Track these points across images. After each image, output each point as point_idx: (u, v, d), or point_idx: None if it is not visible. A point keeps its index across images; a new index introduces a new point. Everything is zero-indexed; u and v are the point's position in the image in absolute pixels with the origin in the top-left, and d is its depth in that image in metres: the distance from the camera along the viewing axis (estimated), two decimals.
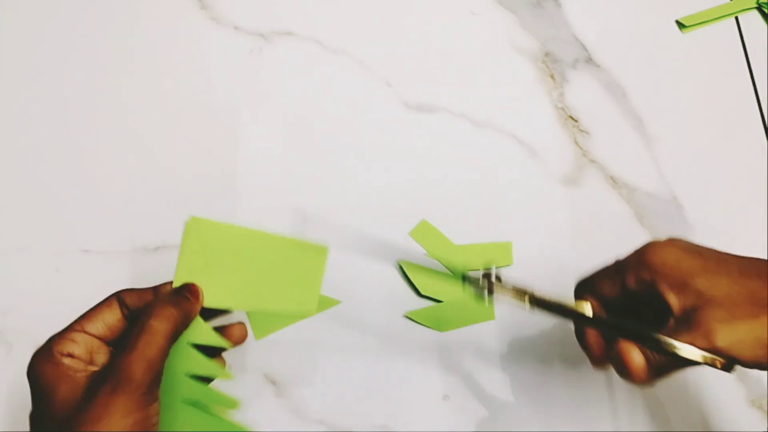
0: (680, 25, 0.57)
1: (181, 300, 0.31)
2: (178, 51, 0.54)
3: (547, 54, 0.56)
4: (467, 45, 0.56)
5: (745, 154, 0.53)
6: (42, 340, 0.44)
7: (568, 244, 0.49)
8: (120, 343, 0.30)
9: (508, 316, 0.46)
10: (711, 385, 0.45)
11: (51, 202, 0.49)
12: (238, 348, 0.44)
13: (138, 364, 0.28)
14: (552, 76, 0.55)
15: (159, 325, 0.29)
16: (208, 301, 0.33)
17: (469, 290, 0.36)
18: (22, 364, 0.44)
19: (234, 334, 0.34)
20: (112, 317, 0.31)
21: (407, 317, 0.46)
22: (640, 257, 0.33)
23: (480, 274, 0.36)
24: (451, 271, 0.46)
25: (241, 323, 0.35)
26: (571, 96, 0.54)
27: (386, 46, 0.55)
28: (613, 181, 0.51)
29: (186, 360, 0.32)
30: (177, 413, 0.31)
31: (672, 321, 0.31)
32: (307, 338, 0.45)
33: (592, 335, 0.34)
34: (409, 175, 0.51)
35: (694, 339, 0.29)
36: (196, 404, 0.32)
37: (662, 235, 0.49)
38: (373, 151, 0.51)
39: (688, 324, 0.30)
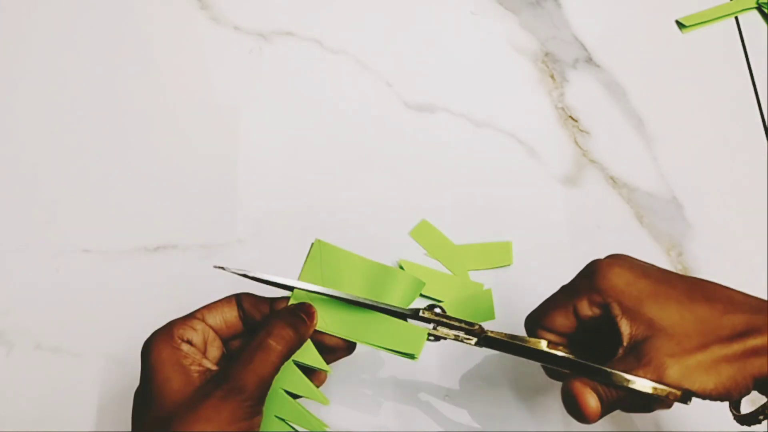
0: (680, 25, 0.57)
1: (297, 322, 0.32)
2: (178, 51, 0.54)
3: (547, 54, 0.56)
4: (467, 45, 0.56)
5: (745, 154, 0.53)
6: (42, 340, 0.45)
7: (568, 244, 0.49)
8: (237, 354, 0.31)
9: (509, 316, 0.46)
10: None
11: (51, 202, 0.49)
12: None
13: (251, 378, 0.29)
14: (552, 76, 0.55)
15: (276, 345, 0.30)
16: (320, 324, 0.34)
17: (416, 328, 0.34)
18: (22, 364, 0.44)
19: (320, 378, 0.35)
20: (231, 314, 0.32)
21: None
22: (590, 281, 0.32)
23: (423, 306, 0.34)
24: (451, 272, 0.46)
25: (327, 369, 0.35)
26: (571, 96, 0.54)
27: (386, 46, 0.55)
28: (613, 181, 0.51)
29: (287, 376, 0.32)
30: (268, 425, 0.32)
31: (621, 350, 0.30)
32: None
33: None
34: (408, 175, 0.51)
35: (645, 372, 0.28)
36: (287, 420, 0.33)
37: (662, 234, 0.49)
38: (373, 150, 0.51)
39: (637, 356, 0.29)
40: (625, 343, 0.30)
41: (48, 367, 0.44)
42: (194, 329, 0.31)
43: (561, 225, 0.49)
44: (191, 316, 0.32)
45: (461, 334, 0.34)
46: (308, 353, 0.33)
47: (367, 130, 0.52)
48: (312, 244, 0.35)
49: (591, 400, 0.29)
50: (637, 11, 0.58)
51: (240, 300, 0.33)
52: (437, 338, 0.34)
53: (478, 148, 0.52)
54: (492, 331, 0.33)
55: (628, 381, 0.29)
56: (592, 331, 0.32)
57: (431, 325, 0.34)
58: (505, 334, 0.33)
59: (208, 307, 0.32)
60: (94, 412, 0.43)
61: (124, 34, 0.54)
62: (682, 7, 0.58)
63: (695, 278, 0.32)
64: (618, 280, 0.31)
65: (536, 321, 0.34)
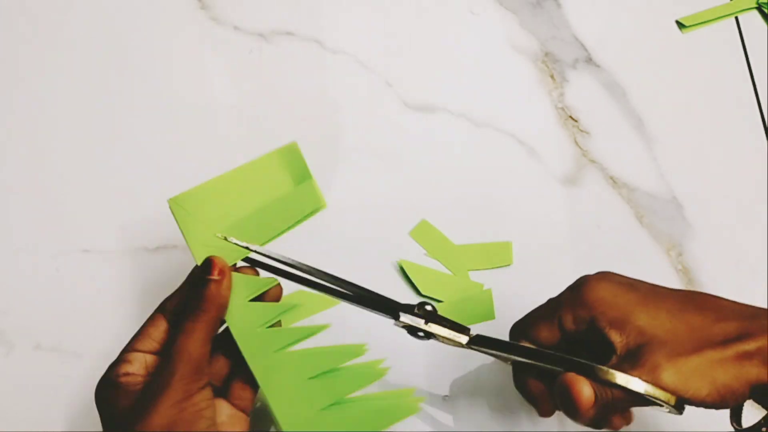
0: (680, 25, 0.57)
1: (205, 288, 0.31)
2: (178, 51, 0.54)
3: (547, 54, 0.56)
4: (467, 45, 0.56)
5: (745, 154, 0.53)
6: (42, 340, 0.44)
7: (568, 244, 0.49)
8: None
9: (508, 318, 0.46)
10: None
11: (51, 202, 0.49)
12: None
13: (180, 361, 0.30)
14: (552, 76, 0.55)
15: (192, 325, 0.30)
16: (236, 254, 0.33)
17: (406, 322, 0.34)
18: (22, 364, 0.44)
19: (270, 294, 0.34)
20: (158, 331, 0.32)
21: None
22: (576, 295, 0.32)
23: (415, 304, 0.34)
24: (451, 271, 0.46)
25: (275, 282, 0.34)
26: (571, 96, 0.54)
27: (386, 46, 0.55)
28: (613, 181, 0.51)
29: (256, 316, 0.32)
30: (274, 366, 0.32)
31: (615, 359, 0.30)
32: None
33: (534, 384, 0.33)
34: (408, 175, 0.51)
35: (640, 374, 0.28)
36: (288, 349, 0.32)
37: (662, 235, 0.49)
38: (373, 151, 0.51)
39: (632, 361, 0.29)
40: (619, 353, 0.30)
41: (48, 367, 0.44)
42: (128, 362, 0.31)
43: (561, 225, 0.49)
44: (123, 351, 0.32)
45: (452, 333, 0.33)
46: (252, 285, 0.33)
47: (367, 130, 0.52)
48: (169, 206, 0.34)
49: (585, 389, 0.29)
50: (636, 11, 0.58)
51: (165, 308, 0.33)
52: (428, 336, 0.34)
53: (478, 148, 0.52)
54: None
55: (622, 379, 0.28)
56: (578, 343, 0.32)
57: (422, 321, 0.34)
58: (496, 339, 0.33)
59: (137, 335, 0.32)
60: (94, 412, 0.43)
61: (124, 34, 0.54)
62: (682, 7, 0.58)
63: (685, 291, 0.32)
64: (605, 293, 0.31)
65: (521, 331, 0.34)
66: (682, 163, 0.52)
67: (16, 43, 0.54)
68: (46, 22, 0.55)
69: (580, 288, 0.32)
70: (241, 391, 0.33)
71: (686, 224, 0.50)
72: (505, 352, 0.33)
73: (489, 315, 0.46)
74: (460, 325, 0.33)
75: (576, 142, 0.52)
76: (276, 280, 0.33)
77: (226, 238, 0.33)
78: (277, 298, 0.34)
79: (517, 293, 0.47)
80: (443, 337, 0.33)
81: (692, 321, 0.29)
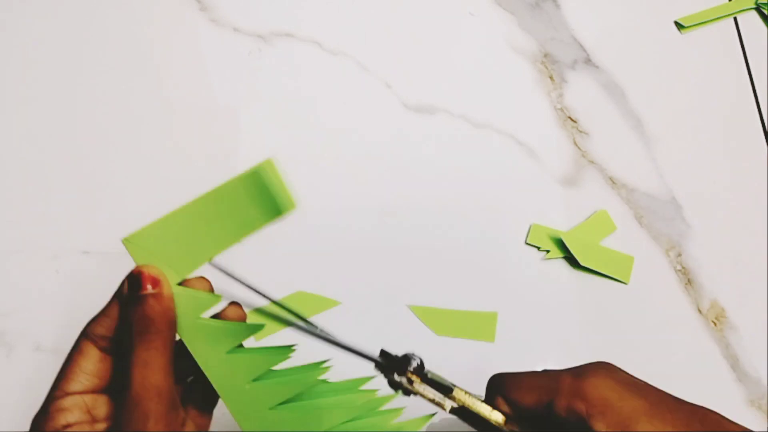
0: (679, 25, 0.57)
1: (145, 306, 0.26)
2: (178, 52, 0.54)
3: (545, 55, 0.56)
4: (466, 46, 0.56)
5: (745, 154, 0.53)
6: (42, 342, 0.44)
7: None
8: (114, 388, 0.26)
9: (508, 319, 0.47)
10: (710, 386, 0.45)
11: (51, 203, 0.49)
12: None
13: (150, 399, 0.25)
14: (551, 77, 0.55)
15: (146, 354, 0.25)
16: (183, 272, 0.28)
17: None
18: (22, 365, 0.44)
19: (229, 315, 0.30)
20: (91, 363, 0.26)
21: (410, 309, 0.46)
22: (578, 385, 0.29)
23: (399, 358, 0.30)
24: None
25: (235, 303, 0.30)
26: (570, 97, 0.54)
27: (385, 47, 0.55)
28: (612, 181, 0.51)
29: (216, 339, 0.27)
30: (246, 394, 0.28)
31: None
32: (306, 339, 0.45)
33: None
34: (408, 176, 0.51)
35: None
36: (262, 377, 0.28)
37: (661, 235, 0.49)
38: (372, 152, 0.51)
39: None
40: None
41: (48, 369, 0.44)
42: (65, 409, 0.25)
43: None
44: (52, 398, 0.25)
45: (437, 396, 0.30)
46: (199, 301, 0.27)
47: (366, 131, 0.52)
48: (125, 245, 0.29)
49: None
50: (635, 12, 0.58)
51: (90, 333, 0.27)
52: (408, 393, 0.30)
53: (477, 149, 0.52)
54: (467, 392, 0.30)
55: None
56: (552, 424, 0.30)
57: (404, 379, 0.30)
58: (477, 396, 0.30)
59: (64, 375, 0.26)
60: None
61: (123, 35, 0.55)
62: (681, 7, 0.58)
63: (693, 406, 0.29)
64: (610, 393, 0.28)
65: (502, 389, 0.31)
66: (681, 164, 0.52)
67: (15, 44, 0.54)
68: (46, 23, 0.55)
69: (584, 379, 0.29)
70: (198, 418, 0.29)
71: (686, 224, 0.50)
72: (476, 428, 0.30)
73: (489, 336, 0.46)
74: (446, 388, 0.30)
75: (575, 143, 0.52)
76: (220, 296, 0.29)
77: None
78: (241, 318, 0.30)
79: (516, 306, 0.47)
80: (426, 398, 0.30)
81: None
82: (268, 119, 0.52)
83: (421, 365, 0.30)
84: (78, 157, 0.50)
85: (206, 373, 0.27)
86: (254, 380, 0.28)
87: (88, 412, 0.26)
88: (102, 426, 0.26)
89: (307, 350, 0.30)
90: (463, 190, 0.50)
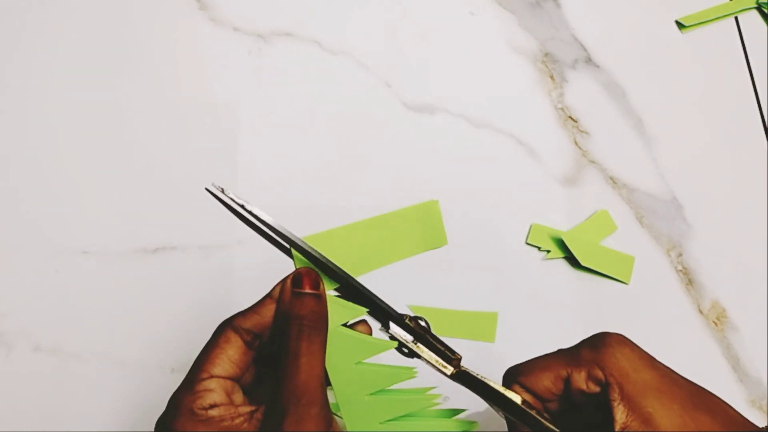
0: (679, 25, 0.57)
1: (310, 302, 0.28)
2: (178, 52, 0.54)
3: (546, 54, 0.56)
4: (466, 45, 0.56)
5: (745, 154, 0.53)
6: (41, 342, 0.44)
7: None
8: (273, 376, 0.28)
9: (508, 319, 0.46)
10: (711, 386, 0.45)
11: (51, 202, 0.49)
12: None
13: (312, 384, 0.27)
14: (551, 77, 0.55)
15: (310, 346, 0.27)
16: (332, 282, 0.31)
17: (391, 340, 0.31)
18: (22, 365, 0.44)
19: (359, 330, 0.32)
20: (237, 353, 0.28)
21: (410, 308, 0.46)
22: (597, 356, 0.29)
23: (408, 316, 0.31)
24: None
25: (364, 322, 0.32)
26: (570, 96, 0.54)
27: (385, 46, 0.55)
28: (613, 181, 0.51)
29: (351, 349, 0.29)
30: (364, 406, 0.30)
31: None
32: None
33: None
34: (408, 176, 0.51)
35: None
36: (381, 392, 0.30)
37: (662, 235, 0.49)
38: (372, 151, 0.51)
39: None
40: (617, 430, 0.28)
41: (47, 369, 0.44)
42: (211, 390, 0.27)
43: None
44: (197, 379, 0.27)
45: (439, 359, 0.31)
46: (344, 310, 0.30)
47: (366, 130, 0.52)
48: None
49: None
50: (636, 11, 0.58)
51: (236, 326, 0.29)
52: (411, 354, 0.31)
53: (477, 149, 0.52)
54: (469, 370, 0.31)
55: None
56: (572, 405, 0.30)
57: (410, 337, 0.31)
58: (483, 376, 0.31)
59: (209, 358, 0.28)
60: (93, 413, 0.43)
61: (123, 34, 0.54)
62: (682, 7, 0.58)
63: (698, 386, 0.30)
64: (626, 363, 0.29)
65: (517, 375, 0.31)
66: (681, 164, 0.52)
67: (14, 43, 0.54)
68: (45, 23, 0.55)
69: (602, 348, 0.29)
70: None
71: (686, 224, 0.50)
72: (489, 400, 0.30)
73: (489, 336, 0.46)
74: (451, 353, 0.31)
75: (576, 143, 0.52)
76: (364, 309, 0.30)
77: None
78: (367, 332, 0.32)
79: (516, 306, 0.47)
80: (428, 361, 0.31)
81: (702, 421, 0.28)
82: (267, 119, 0.52)
83: (428, 327, 0.31)
84: (78, 156, 0.50)
85: (331, 379, 0.29)
86: (373, 394, 0.30)
87: (228, 397, 0.27)
88: (243, 408, 0.27)
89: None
90: (463, 189, 0.50)
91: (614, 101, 0.54)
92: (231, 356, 0.28)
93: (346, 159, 0.51)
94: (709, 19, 0.57)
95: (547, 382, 0.30)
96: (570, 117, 0.53)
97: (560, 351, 0.31)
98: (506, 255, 0.48)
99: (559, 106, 0.54)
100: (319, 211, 0.49)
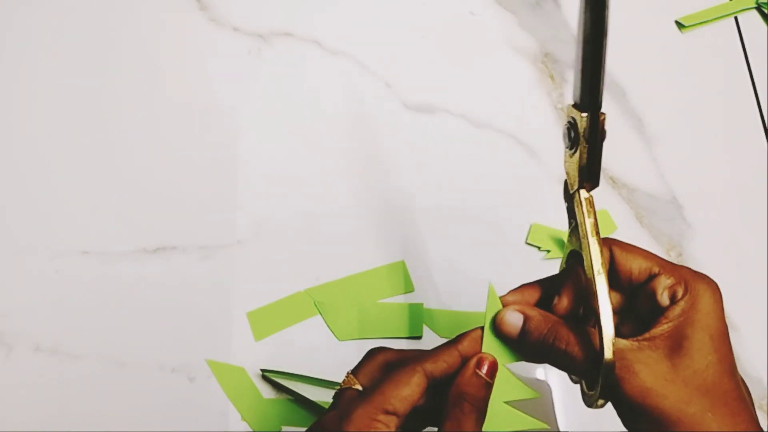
0: (679, 25, 0.57)
1: (485, 389, 0.30)
2: (177, 52, 0.54)
3: (546, 54, 0.56)
4: (466, 45, 0.56)
5: (745, 154, 0.53)
6: (41, 342, 0.44)
7: None
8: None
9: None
10: None
11: (50, 203, 0.49)
12: (248, 350, 0.44)
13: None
14: (551, 77, 0.55)
15: (463, 421, 0.29)
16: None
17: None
18: (21, 366, 0.44)
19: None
20: (418, 393, 0.29)
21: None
22: (692, 279, 0.30)
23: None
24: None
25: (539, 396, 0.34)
26: (570, 96, 0.54)
27: (386, 46, 0.55)
28: (613, 181, 0.51)
29: (505, 387, 0.31)
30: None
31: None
32: (307, 340, 0.45)
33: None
34: (408, 176, 0.51)
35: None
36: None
37: (662, 235, 0.49)
38: (372, 151, 0.51)
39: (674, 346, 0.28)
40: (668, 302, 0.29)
41: (47, 369, 0.44)
42: (385, 425, 0.28)
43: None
44: (376, 406, 0.28)
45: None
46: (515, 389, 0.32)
47: (366, 130, 0.52)
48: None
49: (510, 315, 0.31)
50: (636, 11, 0.58)
51: (426, 370, 0.30)
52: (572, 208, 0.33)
53: (477, 149, 0.52)
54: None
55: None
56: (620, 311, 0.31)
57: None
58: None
59: (394, 389, 0.29)
60: (93, 413, 0.43)
61: (122, 34, 0.54)
62: (681, 7, 0.58)
63: (744, 390, 0.30)
64: (710, 305, 0.30)
65: (615, 243, 0.33)
66: (681, 164, 0.52)
67: (14, 44, 0.54)
68: (45, 23, 0.55)
69: (700, 278, 0.31)
70: None
71: (686, 224, 0.50)
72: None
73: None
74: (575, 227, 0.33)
75: None
76: (540, 395, 0.33)
77: None
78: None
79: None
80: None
81: (729, 402, 0.28)
82: (267, 119, 0.52)
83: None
84: (78, 156, 0.50)
85: None
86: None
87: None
88: None
89: None
90: (463, 189, 0.50)
91: (614, 101, 0.54)
92: (410, 397, 0.29)
93: (346, 159, 0.51)
94: (708, 19, 0.57)
95: (637, 264, 0.31)
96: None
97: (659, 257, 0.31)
98: (506, 255, 0.48)
99: (559, 106, 0.54)
100: (320, 211, 0.49)
